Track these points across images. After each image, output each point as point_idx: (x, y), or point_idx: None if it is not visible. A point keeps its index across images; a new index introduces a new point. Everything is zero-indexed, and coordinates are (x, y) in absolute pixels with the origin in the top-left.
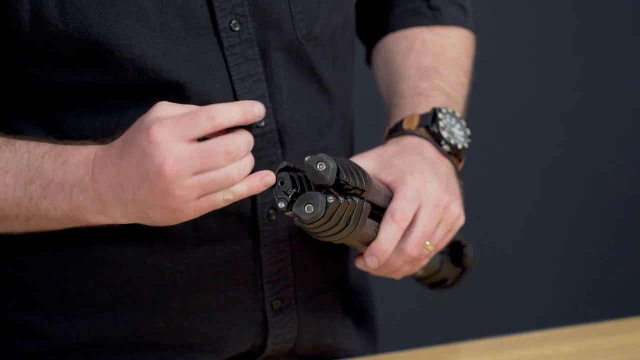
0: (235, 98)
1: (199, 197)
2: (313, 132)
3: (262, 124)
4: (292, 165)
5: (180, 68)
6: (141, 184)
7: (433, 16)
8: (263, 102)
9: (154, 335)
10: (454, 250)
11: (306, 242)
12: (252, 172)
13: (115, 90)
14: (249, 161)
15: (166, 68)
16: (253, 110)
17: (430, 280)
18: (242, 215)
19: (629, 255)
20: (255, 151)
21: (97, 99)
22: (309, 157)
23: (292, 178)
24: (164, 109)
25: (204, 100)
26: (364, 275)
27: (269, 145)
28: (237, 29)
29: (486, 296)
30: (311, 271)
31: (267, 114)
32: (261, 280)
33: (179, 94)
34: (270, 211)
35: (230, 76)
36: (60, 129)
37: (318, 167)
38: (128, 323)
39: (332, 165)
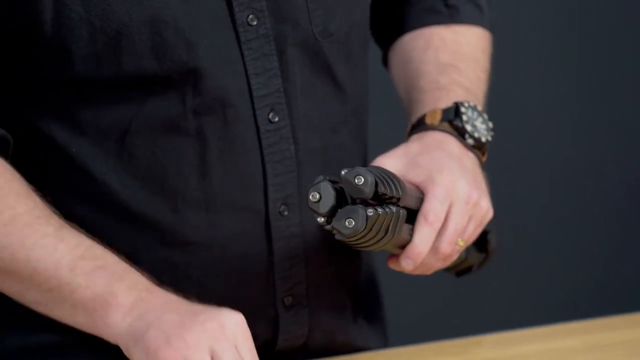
0: (250, 93)
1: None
2: (326, 129)
3: (276, 119)
4: (328, 178)
5: (200, 60)
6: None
7: (450, 15)
8: (277, 97)
9: None
10: (479, 238)
11: (319, 239)
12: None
13: (132, 83)
14: None
15: (185, 59)
16: None
17: (457, 269)
18: (255, 211)
19: (633, 253)
20: (268, 146)
21: (113, 92)
22: (345, 170)
23: (335, 190)
24: None
25: (219, 94)
26: (373, 276)
27: (282, 141)
28: (255, 23)
29: (494, 292)
30: (324, 269)
31: (281, 109)
32: (273, 276)
33: (196, 87)
34: (282, 207)
35: (246, 71)
36: (76, 123)
37: (356, 181)
38: None
39: (370, 179)
